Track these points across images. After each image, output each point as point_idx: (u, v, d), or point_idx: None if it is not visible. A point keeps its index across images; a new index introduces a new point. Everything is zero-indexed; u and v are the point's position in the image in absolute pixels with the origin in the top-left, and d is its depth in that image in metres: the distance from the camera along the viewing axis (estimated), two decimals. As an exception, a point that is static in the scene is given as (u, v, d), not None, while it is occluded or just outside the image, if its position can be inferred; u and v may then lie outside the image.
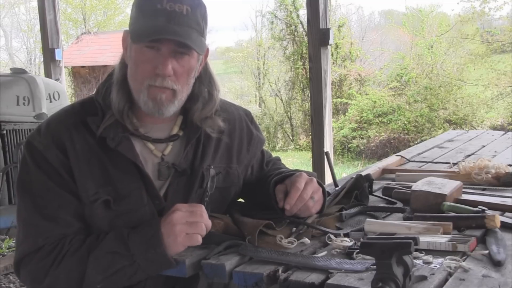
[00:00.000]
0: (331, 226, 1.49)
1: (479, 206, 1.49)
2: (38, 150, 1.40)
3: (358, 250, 1.21)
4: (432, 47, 12.58)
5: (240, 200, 1.71)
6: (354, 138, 11.90)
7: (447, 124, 11.22)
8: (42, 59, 9.46)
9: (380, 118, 11.72)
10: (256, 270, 1.21)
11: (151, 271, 1.30)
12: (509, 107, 11.32)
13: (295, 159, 11.65)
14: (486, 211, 1.45)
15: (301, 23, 13.18)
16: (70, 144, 1.40)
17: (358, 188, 1.74)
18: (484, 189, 1.89)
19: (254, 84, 15.95)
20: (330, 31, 4.61)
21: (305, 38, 12.37)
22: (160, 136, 1.50)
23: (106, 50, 14.09)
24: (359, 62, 13.74)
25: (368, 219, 1.49)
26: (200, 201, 1.46)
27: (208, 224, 1.34)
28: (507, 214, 1.55)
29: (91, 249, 1.32)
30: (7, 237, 4.29)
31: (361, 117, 11.99)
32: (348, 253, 1.28)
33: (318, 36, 4.59)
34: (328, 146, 4.75)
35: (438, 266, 1.16)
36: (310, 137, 5.24)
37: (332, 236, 1.38)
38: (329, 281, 1.12)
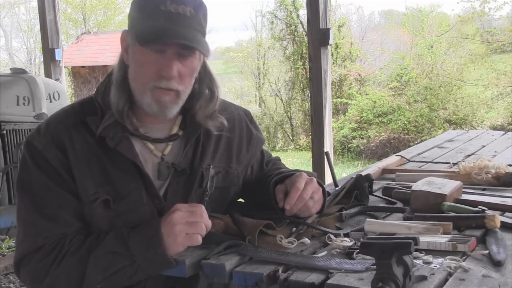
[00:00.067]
0: (331, 226, 1.49)
1: (479, 206, 1.49)
2: (38, 150, 1.40)
3: (358, 250, 1.21)
4: (432, 47, 12.58)
5: (240, 200, 1.71)
6: (354, 138, 11.90)
7: (447, 124, 11.22)
8: (42, 59, 9.46)
9: (380, 118, 11.72)
10: (256, 270, 1.21)
11: (151, 271, 1.30)
12: (509, 107, 11.32)
13: (295, 159, 11.65)
14: (486, 211, 1.45)
15: (301, 23, 13.19)
16: (70, 144, 1.40)
17: (358, 188, 1.74)
18: (484, 189, 1.89)
19: (254, 84, 15.95)
20: (330, 31, 4.61)
21: (305, 38, 12.37)
22: (160, 136, 1.50)
23: (106, 50, 14.09)
24: (359, 62, 13.74)
25: (368, 219, 1.48)
26: (200, 200, 1.46)
27: (208, 224, 1.34)
28: (507, 214, 1.55)
29: (91, 249, 1.32)
30: (7, 237, 4.29)
31: (361, 117, 11.99)
32: (348, 253, 1.28)
33: (318, 36, 4.59)
34: (328, 146, 4.75)
35: (438, 266, 1.16)
36: (310, 137, 5.24)
37: (332, 236, 1.38)
38: (329, 281, 1.12)
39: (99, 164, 1.41)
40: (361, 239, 1.27)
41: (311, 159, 4.98)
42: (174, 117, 1.49)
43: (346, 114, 12.39)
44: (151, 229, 1.31)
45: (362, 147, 11.78)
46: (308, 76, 6.05)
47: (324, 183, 1.59)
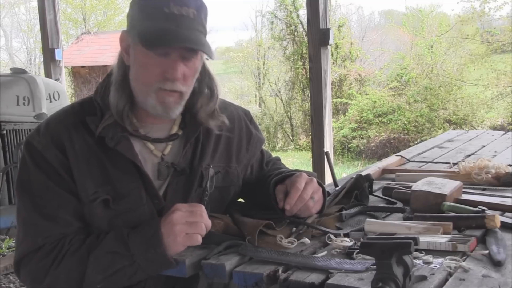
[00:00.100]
0: (331, 226, 1.49)
1: (479, 206, 1.49)
2: (37, 150, 1.40)
3: (358, 250, 1.21)
4: (432, 47, 12.58)
5: (240, 200, 1.71)
6: (354, 138, 11.90)
7: (447, 124, 11.22)
8: (42, 59, 9.46)
9: (380, 118, 11.72)
10: (256, 270, 1.21)
11: (151, 271, 1.30)
12: (509, 107, 11.32)
13: (295, 159, 11.65)
14: (486, 211, 1.45)
15: (301, 23, 13.19)
16: (69, 143, 1.40)
17: (358, 188, 1.74)
18: (484, 189, 1.89)
19: (254, 84, 15.95)
20: (330, 31, 4.61)
21: (305, 38, 12.37)
22: (160, 136, 1.50)
23: (106, 50, 14.09)
24: (359, 62, 13.74)
25: (368, 219, 1.48)
26: (200, 200, 1.46)
27: (208, 224, 1.34)
28: (507, 214, 1.55)
29: (91, 249, 1.32)
30: (7, 237, 4.29)
31: (361, 117, 11.99)
32: (348, 253, 1.28)
33: (318, 36, 4.58)
34: (328, 146, 4.75)
35: (438, 266, 1.16)
36: (310, 137, 5.24)
37: (332, 236, 1.38)
38: (329, 281, 1.12)
39: (98, 164, 1.41)
40: (361, 239, 1.27)
41: (311, 159, 4.98)
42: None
43: (346, 114, 12.39)
44: (151, 229, 1.31)
45: (362, 147, 11.78)
46: (308, 76, 6.05)
47: (324, 183, 1.59)
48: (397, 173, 2.16)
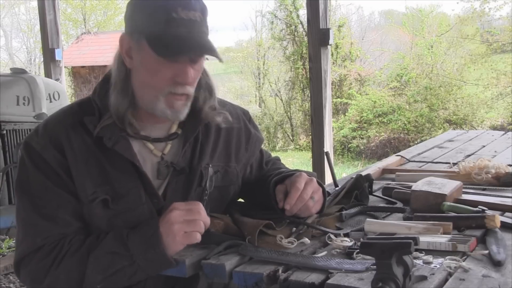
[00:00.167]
0: (331, 226, 1.49)
1: (479, 206, 1.49)
2: (36, 150, 1.40)
3: (358, 250, 1.21)
4: (432, 47, 12.58)
5: (240, 200, 1.71)
6: (354, 138, 11.90)
7: (447, 124, 11.22)
8: (42, 59, 9.46)
9: (380, 118, 11.72)
10: (256, 270, 1.21)
11: (151, 271, 1.30)
12: (509, 107, 11.32)
13: (295, 159, 11.66)
14: (486, 211, 1.45)
15: (301, 23, 13.19)
16: (68, 144, 1.40)
17: (358, 188, 1.74)
18: (484, 189, 1.89)
19: (254, 84, 15.95)
20: (330, 31, 4.61)
21: (305, 38, 12.37)
22: (159, 135, 1.50)
23: (106, 50, 14.08)
24: (359, 62, 13.74)
25: (368, 219, 1.48)
26: (200, 200, 1.46)
27: (207, 221, 1.34)
28: (507, 214, 1.55)
29: (91, 249, 1.32)
30: (7, 237, 4.29)
31: (361, 117, 11.99)
32: (348, 253, 1.28)
33: (318, 36, 4.58)
34: (328, 146, 4.75)
35: (438, 266, 1.16)
36: (310, 137, 5.24)
37: (332, 236, 1.38)
38: (329, 281, 1.12)
39: (97, 164, 1.41)
40: (361, 239, 1.27)
41: (311, 159, 4.98)
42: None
43: (346, 114, 12.39)
44: (150, 229, 1.31)
45: (362, 147, 11.78)
46: (308, 76, 6.05)
47: (324, 183, 1.59)
48: (397, 173, 2.16)
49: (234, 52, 18.19)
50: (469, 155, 2.65)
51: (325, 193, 1.55)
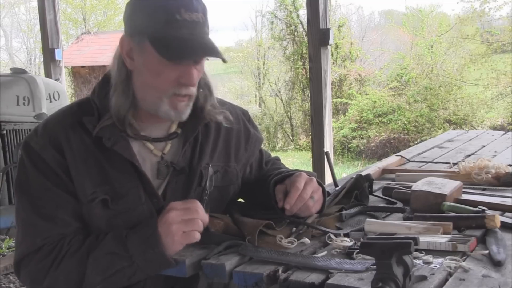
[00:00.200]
0: (331, 226, 1.49)
1: (479, 206, 1.49)
2: (35, 150, 1.40)
3: (358, 250, 1.21)
4: (432, 47, 12.58)
5: (240, 200, 1.71)
6: (354, 138, 11.90)
7: (447, 124, 11.22)
8: (42, 59, 9.46)
9: (380, 118, 11.72)
10: (256, 270, 1.21)
11: (151, 271, 1.30)
12: (509, 107, 11.32)
13: (295, 159, 11.66)
14: (486, 211, 1.45)
15: (301, 23, 13.18)
16: (67, 144, 1.40)
17: (358, 188, 1.74)
18: (484, 189, 1.89)
19: (254, 84, 15.95)
20: (330, 31, 4.61)
21: (305, 38, 12.37)
22: (159, 135, 1.50)
23: (106, 50, 14.08)
24: (359, 62, 13.74)
25: (368, 219, 1.48)
26: (200, 199, 1.46)
27: (205, 219, 1.33)
28: (507, 214, 1.55)
29: (90, 250, 1.32)
30: (7, 237, 4.29)
31: (361, 117, 11.99)
32: (348, 253, 1.28)
33: (318, 36, 4.58)
34: (328, 146, 4.75)
35: (438, 266, 1.16)
36: (310, 137, 5.24)
37: (332, 236, 1.38)
38: (329, 281, 1.12)
39: (96, 164, 1.40)
40: (361, 239, 1.27)
41: (311, 159, 4.98)
42: None
43: (346, 114, 12.39)
44: (149, 229, 1.31)
45: (362, 147, 11.78)
46: (308, 76, 6.05)
47: (324, 183, 1.59)
48: (397, 173, 2.16)
49: (234, 52, 18.18)
50: (469, 155, 2.65)
51: (325, 193, 1.55)
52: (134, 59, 1.40)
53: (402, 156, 2.55)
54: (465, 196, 1.69)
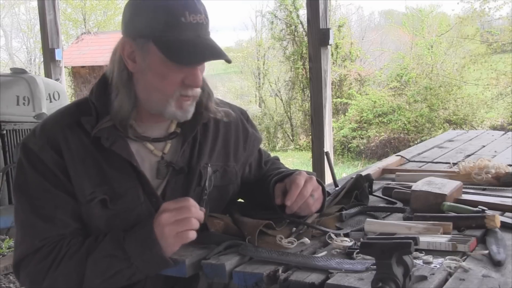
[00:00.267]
0: (331, 226, 1.49)
1: (479, 206, 1.49)
2: (33, 151, 1.40)
3: (358, 250, 1.21)
4: (432, 47, 12.57)
5: (240, 200, 1.71)
6: (354, 138, 11.90)
7: (447, 124, 11.22)
8: (42, 59, 9.46)
9: (380, 118, 11.72)
10: (256, 270, 1.21)
11: (149, 272, 1.30)
12: (509, 107, 11.32)
13: (295, 159, 11.66)
14: (486, 211, 1.45)
15: (301, 23, 13.18)
16: (65, 144, 1.39)
17: (358, 188, 1.74)
18: (484, 189, 1.89)
19: (254, 84, 15.95)
20: (330, 31, 4.60)
21: (305, 38, 12.37)
22: (159, 135, 1.50)
23: (106, 50, 14.06)
24: (359, 62, 13.74)
25: (368, 219, 1.48)
26: (199, 199, 1.46)
27: (199, 216, 1.32)
28: (507, 214, 1.55)
29: (89, 252, 1.32)
30: (7, 237, 4.29)
31: (361, 117, 11.99)
32: (348, 253, 1.28)
33: (318, 36, 4.58)
34: (328, 146, 4.75)
35: (438, 266, 1.16)
36: (310, 137, 5.24)
37: (332, 236, 1.38)
38: (329, 281, 1.12)
39: (95, 164, 1.40)
40: (361, 239, 1.27)
41: (311, 159, 4.98)
42: None
43: (346, 114, 12.39)
44: (145, 230, 1.30)
45: (362, 147, 11.78)
46: (308, 76, 6.05)
47: (324, 183, 1.59)
48: (397, 173, 2.16)
49: (234, 52, 18.16)
50: (469, 155, 2.65)
51: (324, 192, 1.55)
52: (136, 62, 1.40)
53: (402, 156, 2.55)
54: (465, 196, 1.69)
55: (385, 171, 2.27)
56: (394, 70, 12.63)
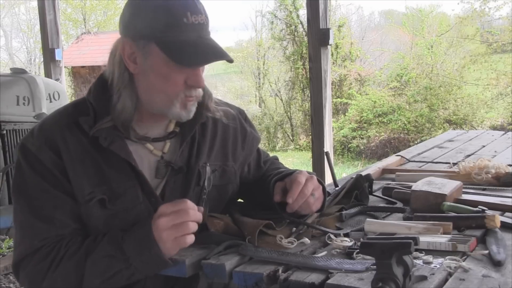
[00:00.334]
0: (331, 226, 1.49)
1: (479, 206, 1.49)
2: (32, 152, 1.39)
3: (358, 250, 1.21)
4: (432, 47, 12.57)
5: (240, 200, 1.71)
6: (354, 138, 11.90)
7: (447, 124, 11.22)
8: (42, 59, 9.46)
9: (380, 118, 11.72)
10: (256, 270, 1.21)
11: (148, 272, 1.30)
12: (509, 107, 11.32)
13: (295, 159, 11.66)
14: (486, 211, 1.45)
15: (301, 23, 13.18)
16: (64, 144, 1.39)
17: (358, 188, 1.74)
18: (484, 189, 1.89)
19: (254, 84, 15.95)
20: (330, 31, 4.60)
21: (305, 38, 12.37)
22: (158, 134, 1.50)
23: (106, 50, 13.83)
24: (359, 62, 13.74)
25: (368, 219, 1.48)
26: (198, 199, 1.45)
27: (198, 219, 1.31)
28: (507, 214, 1.55)
29: (88, 252, 1.31)
30: (7, 237, 4.29)
31: (361, 117, 11.99)
32: (348, 253, 1.28)
33: (318, 36, 4.58)
34: (328, 146, 4.75)
35: (438, 266, 1.16)
36: (310, 137, 5.24)
37: (332, 236, 1.38)
38: (329, 281, 1.12)
39: (93, 164, 1.40)
40: (361, 239, 1.27)
41: (311, 159, 4.98)
42: None
43: (346, 114, 12.39)
44: (144, 231, 1.30)
45: (362, 147, 11.78)
46: (308, 76, 6.05)
47: (324, 183, 1.59)
48: (397, 173, 2.16)
49: (234, 52, 18.14)
50: (469, 155, 2.65)
51: (325, 191, 1.55)
52: (137, 63, 1.39)
53: (402, 156, 2.55)
54: (465, 196, 1.69)
55: (385, 171, 2.27)
56: (394, 70, 12.63)
